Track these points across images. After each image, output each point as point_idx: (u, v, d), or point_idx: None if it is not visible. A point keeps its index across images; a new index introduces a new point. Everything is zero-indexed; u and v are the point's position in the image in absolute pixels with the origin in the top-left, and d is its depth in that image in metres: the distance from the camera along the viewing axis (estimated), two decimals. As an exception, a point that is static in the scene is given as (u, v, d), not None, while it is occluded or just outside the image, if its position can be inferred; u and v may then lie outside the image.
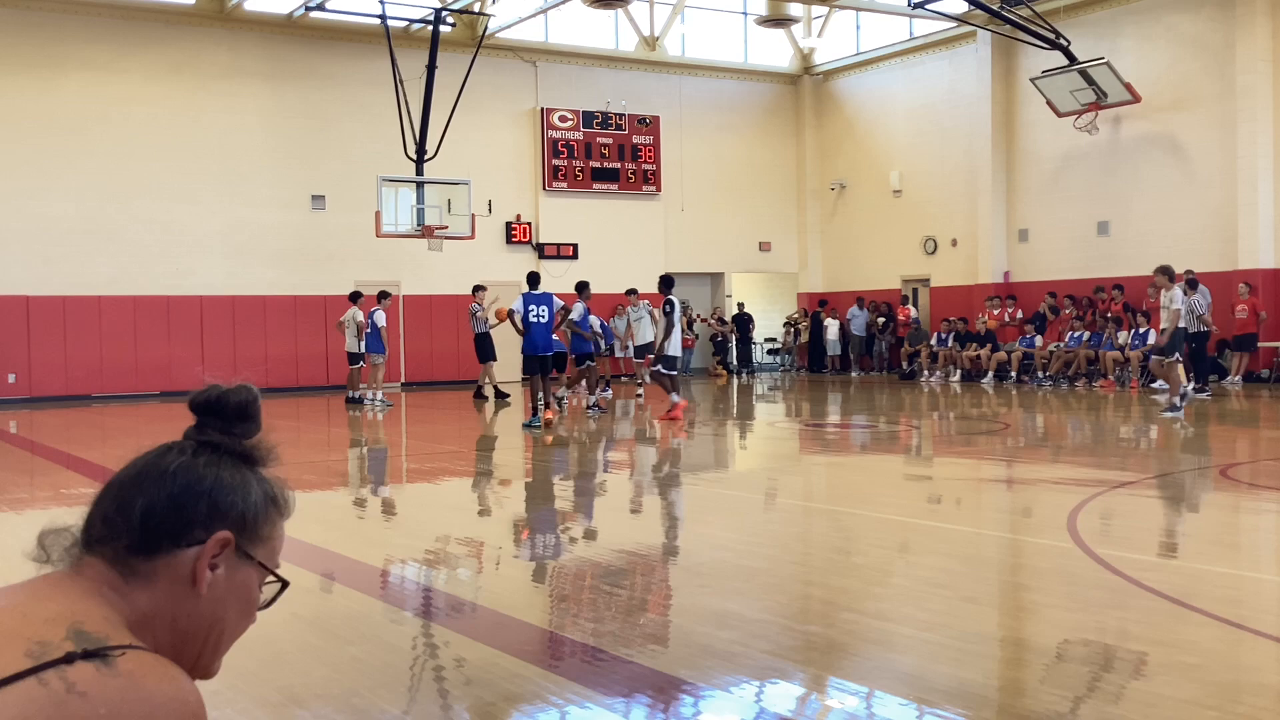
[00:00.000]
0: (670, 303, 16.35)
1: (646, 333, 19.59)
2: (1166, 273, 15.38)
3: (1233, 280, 20.61)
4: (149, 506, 1.35)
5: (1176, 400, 15.29)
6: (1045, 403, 19.01)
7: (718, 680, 4.53)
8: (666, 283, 16.46)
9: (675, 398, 16.12)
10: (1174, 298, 15.27)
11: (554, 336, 16.67)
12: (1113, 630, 5.22)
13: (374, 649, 5.09)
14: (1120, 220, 22.95)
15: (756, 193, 29.24)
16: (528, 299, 15.56)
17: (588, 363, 18.62)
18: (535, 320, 15.38)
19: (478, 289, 20.83)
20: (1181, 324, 15.32)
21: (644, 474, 11.99)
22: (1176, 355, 15.40)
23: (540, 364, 15.44)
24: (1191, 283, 19.47)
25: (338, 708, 4.27)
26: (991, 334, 24.16)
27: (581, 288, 17.89)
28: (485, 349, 20.56)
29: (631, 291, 20.72)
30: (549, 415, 15.61)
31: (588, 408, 17.67)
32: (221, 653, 1.42)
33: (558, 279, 26.32)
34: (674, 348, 16.39)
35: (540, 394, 15.53)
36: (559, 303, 15.93)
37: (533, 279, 15.95)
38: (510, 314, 15.69)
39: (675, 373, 16.55)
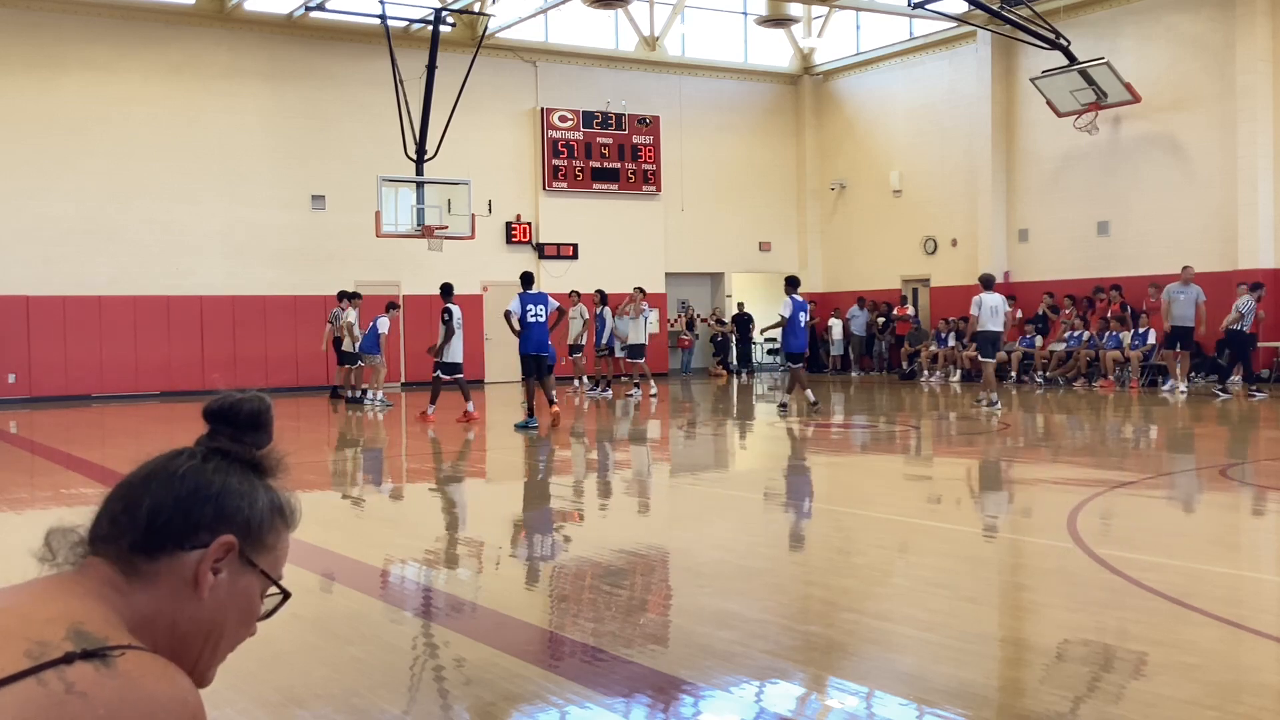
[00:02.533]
0: (448, 310, 16.58)
1: (639, 334, 21.17)
2: (981, 279, 17.51)
3: (1233, 280, 20.58)
4: (155, 507, 1.36)
5: (992, 397, 17.13)
6: (1045, 403, 19.01)
7: (718, 680, 4.53)
8: (446, 290, 16.94)
9: (430, 408, 16.80)
10: (977, 302, 17.10)
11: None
12: (1113, 630, 5.22)
13: (374, 649, 5.09)
14: (1120, 220, 22.95)
15: (756, 193, 29.24)
16: (525, 299, 15.62)
17: (802, 362, 17.99)
18: (533, 320, 15.47)
19: (343, 295, 21.45)
20: (992, 326, 17.16)
21: (643, 474, 11.99)
22: (993, 358, 17.47)
23: (537, 364, 15.54)
24: (1254, 286, 19.30)
25: (338, 708, 4.28)
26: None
27: (793, 283, 17.32)
28: (346, 352, 21.26)
29: (639, 290, 21.25)
30: (555, 410, 15.67)
31: (810, 404, 17.10)
32: (219, 659, 1.42)
33: (557, 279, 26.36)
34: (453, 354, 16.65)
35: (534, 395, 15.57)
36: (554, 303, 16.05)
37: (527, 279, 16.09)
38: (507, 314, 15.81)
39: (460, 376, 16.77)
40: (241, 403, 1.46)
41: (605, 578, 6.57)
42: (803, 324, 17.18)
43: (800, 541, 8.00)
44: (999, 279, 25.19)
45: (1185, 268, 19.90)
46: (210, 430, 1.45)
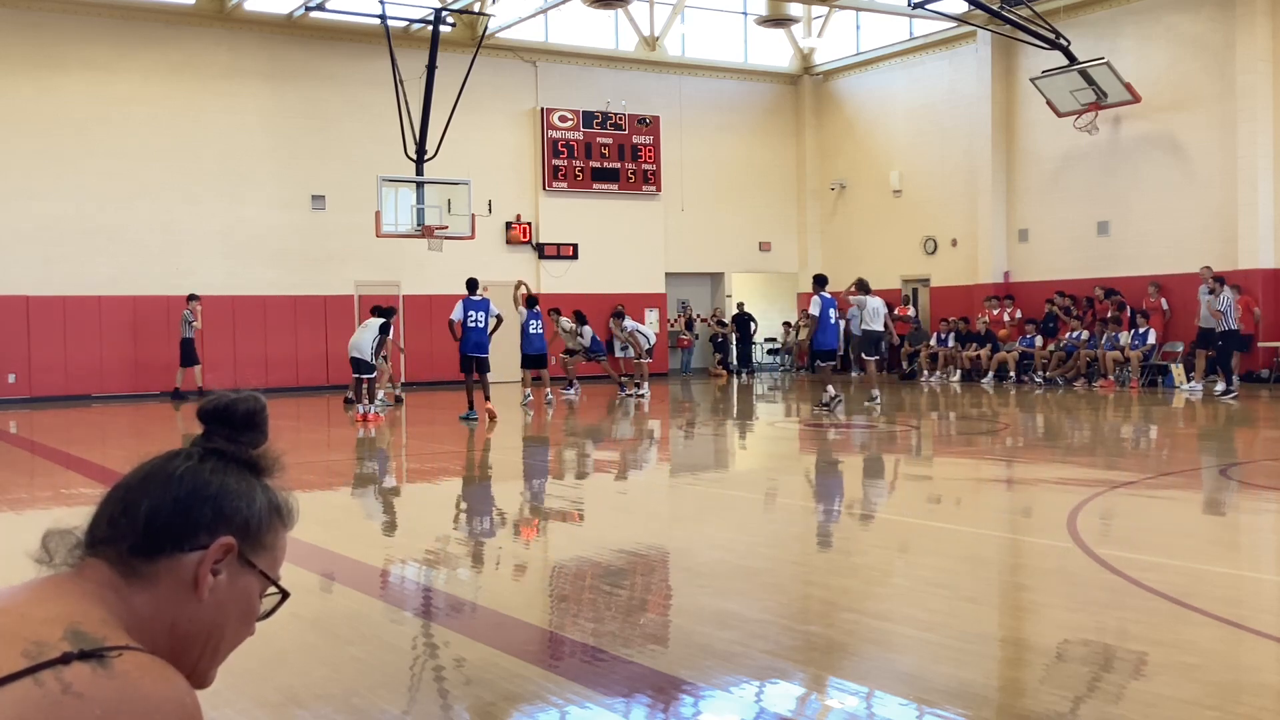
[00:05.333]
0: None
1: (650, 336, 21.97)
2: (860, 283, 18.96)
3: (1233, 280, 20.57)
4: (154, 509, 1.36)
5: (873, 392, 18.24)
6: (1045, 403, 19.01)
7: (718, 680, 4.53)
8: (382, 312, 18.23)
9: (362, 406, 17.69)
10: (860, 303, 18.78)
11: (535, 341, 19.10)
12: (1113, 630, 5.21)
13: (374, 649, 5.09)
14: (1120, 220, 22.94)
15: (756, 193, 29.23)
16: (467, 305, 16.93)
17: (834, 359, 18.44)
18: (473, 325, 16.83)
19: (192, 298, 21.99)
20: (875, 326, 18.65)
21: (643, 474, 11.99)
22: (876, 355, 18.92)
23: (477, 364, 16.84)
24: (1219, 279, 19.21)
25: (338, 708, 4.28)
26: (992, 334, 24.15)
27: (820, 281, 17.89)
28: (189, 354, 21.81)
29: (619, 314, 22.32)
30: (490, 407, 16.87)
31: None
32: (219, 661, 1.42)
33: (558, 279, 26.39)
34: (357, 351, 17.85)
35: (474, 391, 16.85)
36: (495, 309, 17.27)
37: (471, 285, 17.25)
38: (450, 323, 17.17)
39: (369, 377, 17.78)
40: (236, 402, 1.46)
41: (605, 578, 6.57)
42: (832, 320, 17.59)
43: (800, 541, 7.99)
44: (999, 279, 25.28)
45: (1204, 268, 19.83)
46: (206, 431, 1.45)
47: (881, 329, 18.87)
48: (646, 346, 21.79)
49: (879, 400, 18.03)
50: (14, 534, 7.97)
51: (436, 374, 25.00)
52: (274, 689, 4.44)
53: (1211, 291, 19.07)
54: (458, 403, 17.57)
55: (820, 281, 17.75)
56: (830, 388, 17.40)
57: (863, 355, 19.19)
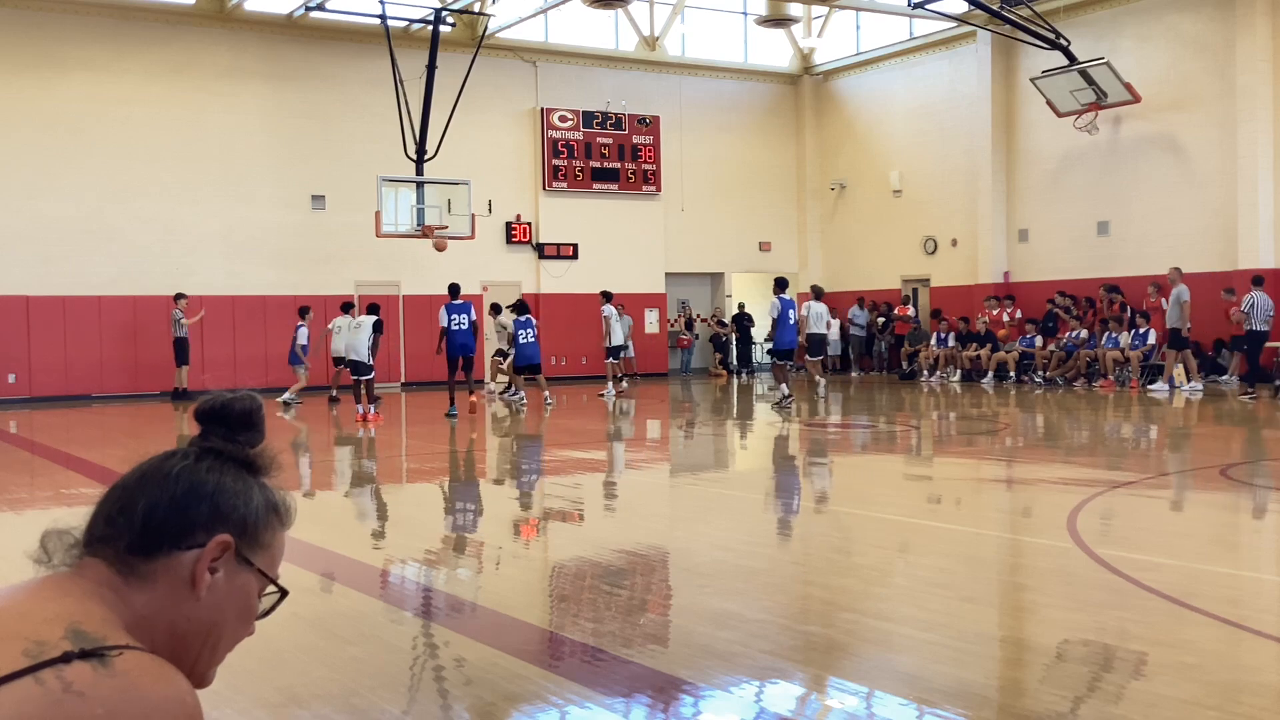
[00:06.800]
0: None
1: (617, 334, 22.41)
2: (812, 288, 21.00)
3: (1233, 280, 20.58)
4: (151, 507, 1.36)
5: (819, 384, 20.20)
6: (1045, 403, 19.01)
7: (718, 680, 4.53)
8: (372, 309, 18.66)
9: (359, 407, 17.81)
10: (807, 308, 20.38)
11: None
12: (1113, 630, 5.21)
13: (374, 649, 5.09)
14: (1120, 220, 22.94)
15: (756, 193, 29.22)
16: (449, 309, 17.74)
17: (789, 359, 19.48)
18: (456, 327, 17.64)
19: (179, 297, 22.01)
20: (818, 329, 20.51)
21: (643, 474, 11.99)
22: (819, 356, 20.91)
23: (464, 363, 17.70)
24: (1257, 280, 19.16)
25: (338, 708, 4.27)
26: (992, 334, 24.14)
27: (781, 284, 18.90)
28: (182, 352, 21.91)
29: (606, 295, 22.35)
30: (473, 399, 18.33)
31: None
32: (218, 660, 1.42)
33: (558, 279, 26.40)
34: (353, 353, 18.14)
35: (455, 389, 17.65)
36: (473, 314, 18.10)
37: (454, 290, 18.21)
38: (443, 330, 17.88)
39: (365, 378, 17.97)
40: (233, 402, 1.46)
41: (605, 578, 6.57)
42: (791, 321, 18.65)
43: (800, 541, 7.99)
44: (999, 279, 25.28)
45: (1173, 269, 20.01)
46: (203, 430, 1.45)
47: (824, 331, 20.57)
48: (607, 343, 22.01)
49: (823, 388, 20.04)
50: (14, 534, 7.98)
51: (436, 374, 24.99)
52: (274, 689, 4.44)
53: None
54: (459, 404, 17.60)
55: (781, 284, 18.81)
56: (784, 386, 18.31)
57: (806, 356, 20.91)
